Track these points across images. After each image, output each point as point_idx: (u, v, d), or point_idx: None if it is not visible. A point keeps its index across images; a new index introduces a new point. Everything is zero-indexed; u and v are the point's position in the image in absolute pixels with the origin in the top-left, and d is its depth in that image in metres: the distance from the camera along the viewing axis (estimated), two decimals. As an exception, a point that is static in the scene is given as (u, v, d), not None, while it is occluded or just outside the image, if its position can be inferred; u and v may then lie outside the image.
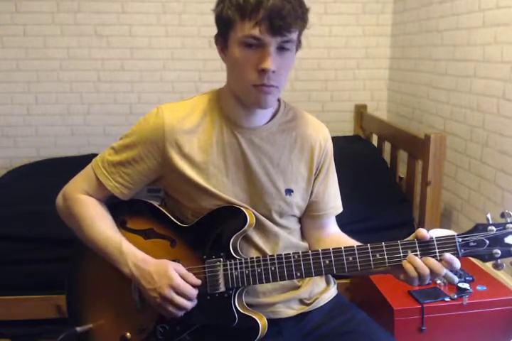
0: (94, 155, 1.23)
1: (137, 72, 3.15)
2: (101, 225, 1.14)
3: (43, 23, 3.01)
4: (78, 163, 1.34)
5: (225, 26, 1.04)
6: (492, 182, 2.09)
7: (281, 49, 1.02)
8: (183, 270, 1.07)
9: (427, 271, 0.97)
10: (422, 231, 1.00)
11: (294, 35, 1.02)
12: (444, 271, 0.98)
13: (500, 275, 1.92)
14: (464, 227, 1.00)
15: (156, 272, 1.06)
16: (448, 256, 0.97)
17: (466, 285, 1.74)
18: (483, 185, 2.16)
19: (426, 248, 1.00)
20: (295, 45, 1.05)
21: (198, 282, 1.07)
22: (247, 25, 0.99)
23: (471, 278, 1.80)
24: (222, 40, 1.07)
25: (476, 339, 1.72)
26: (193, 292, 1.06)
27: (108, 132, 3.20)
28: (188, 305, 1.06)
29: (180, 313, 1.07)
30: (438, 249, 0.99)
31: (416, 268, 0.98)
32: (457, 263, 0.98)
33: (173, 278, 1.04)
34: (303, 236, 1.27)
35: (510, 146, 1.96)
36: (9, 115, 3.11)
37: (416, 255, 0.99)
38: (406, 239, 1.03)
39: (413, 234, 1.02)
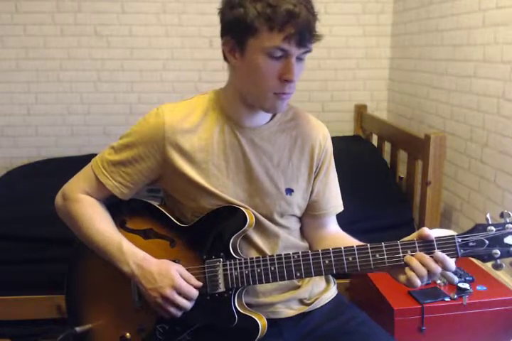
0: (95, 155, 1.22)
1: (137, 72, 3.15)
2: (100, 224, 1.14)
3: (43, 23, 3.01)
4: (78, 163, 1.34)
5: (243, 31, 1.01)
6: (492, 182, 2.09)
7: (299, 59, 1.04)
8: (184, 271, 1.08)
9: (424, 270, 0.96)
10: (426, 231, 0.99)
11: (313, 45, 1.04)
12: (438, 268, 0.96)
13: (501, 276, 1.92)
14: (464, 227, 0.99)
15: (158, 272, 1.06)
16: (440, 254, 0.97)
17: (466, 285, 1.74)
18: (483, 185, 2.16)
19: (425, 248, 0.99)
20: None
21: (199, 284, 1.08)
22: (276, 37, 0.98)
23: (471, 278, 1.80)
24: (236, 43, 1.04)
25: (476, 339, 1.72)
26: (195, 293, 1.06)
27: (108, 132, 3.20)
28: (189, 305, 1.06)
29: (179, 313, 1.07)
30: (438, 249, 0.98)
31: (412, 268, 0.97)
32: (451, 263, 0.97)
33: (174, 278, 1.05)
34: (303, 235, 1.27)
35: (510, 146, 1.96)
36: (9, 115, 3.11)
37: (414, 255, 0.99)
38: (406, 239, 1.02)
39: (415, 233, 1.02)
